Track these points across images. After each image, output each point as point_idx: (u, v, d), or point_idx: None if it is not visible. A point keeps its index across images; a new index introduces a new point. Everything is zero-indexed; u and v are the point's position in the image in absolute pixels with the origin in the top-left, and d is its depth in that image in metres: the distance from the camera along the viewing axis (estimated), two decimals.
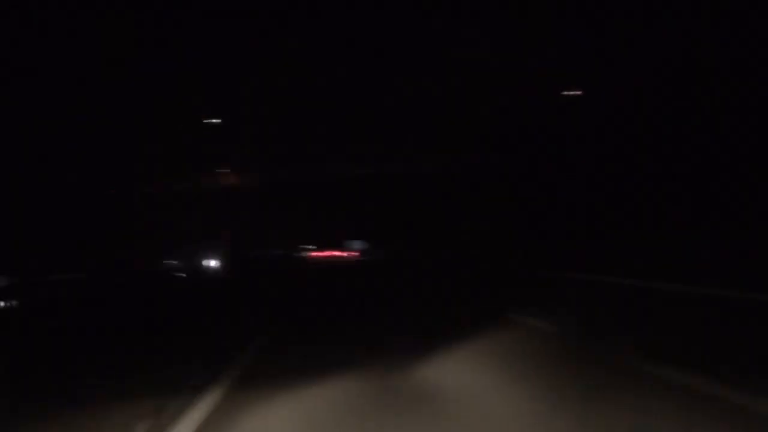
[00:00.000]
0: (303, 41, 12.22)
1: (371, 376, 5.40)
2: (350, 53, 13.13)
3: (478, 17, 11.68)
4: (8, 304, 14.69)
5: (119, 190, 22.55)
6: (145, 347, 8.25)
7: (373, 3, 11.12)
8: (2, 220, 16.32)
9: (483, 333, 7.39)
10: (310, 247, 77.16)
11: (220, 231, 31.94)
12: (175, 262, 31.72)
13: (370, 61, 13.61)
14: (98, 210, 21.78)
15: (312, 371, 5.58)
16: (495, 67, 14.04)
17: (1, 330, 11.41)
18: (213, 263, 30.31)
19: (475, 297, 13.75)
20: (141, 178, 22.53)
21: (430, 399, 4.56)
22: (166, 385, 5.19)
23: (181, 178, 23.87)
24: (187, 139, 18.58)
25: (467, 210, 29.27)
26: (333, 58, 13.26)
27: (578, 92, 15.66)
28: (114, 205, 22.80)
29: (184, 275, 26.17)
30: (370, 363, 6.00)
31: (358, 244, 66.12)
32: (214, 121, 16.47)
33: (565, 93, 15.66)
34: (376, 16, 11.49)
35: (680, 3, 11.49)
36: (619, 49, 13.43)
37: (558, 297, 11.91)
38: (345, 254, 69.11)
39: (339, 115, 17.50)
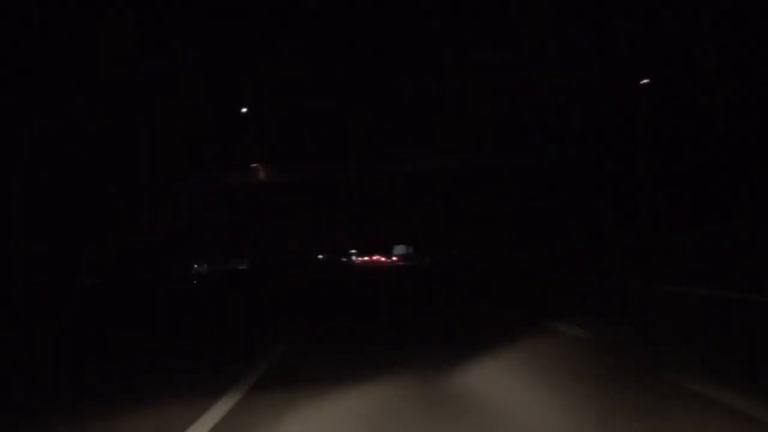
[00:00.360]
0: (303, 41, 12.22)
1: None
2: (350, 53, 13.13)
3: (478, 17, 11.69)
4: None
5: (126, 191, 22.13)
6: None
7: (373, 3, 11.12)
8: (3, 221, 16.31)
9: (518, 338, 7.35)
10: (353, 251, 76.70)
11: (258, 234, 28.94)
12: (204, 267, 29.86)
13: (370, 61, 13.62)
14: (109, 213, 21.44)
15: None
16: (495, 67, 14.05)
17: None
18: (247, 268, 26.56)
19: (516, 300, 13.48)
20: (165, 179, 21.74)
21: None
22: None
23: (211, 177, 22.50)
24: (218, 138, 18.11)
25: (516, 212, 28.05)
26: (333, 58, 13.26)
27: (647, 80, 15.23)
28: (126, 207, 22.23)
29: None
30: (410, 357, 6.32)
31: (400, 249, 65.34)
32: (243, 110, 16.02)
33: (642, 82, 15.23)
34: (376, 16, 11.49)
35: (680, 3, 11.50)
36: (619, 49, 13.43)
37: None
38: (386, 259, 68.78)
39: (345, 114, 17.41)
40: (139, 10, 10.42)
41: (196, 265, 30.01)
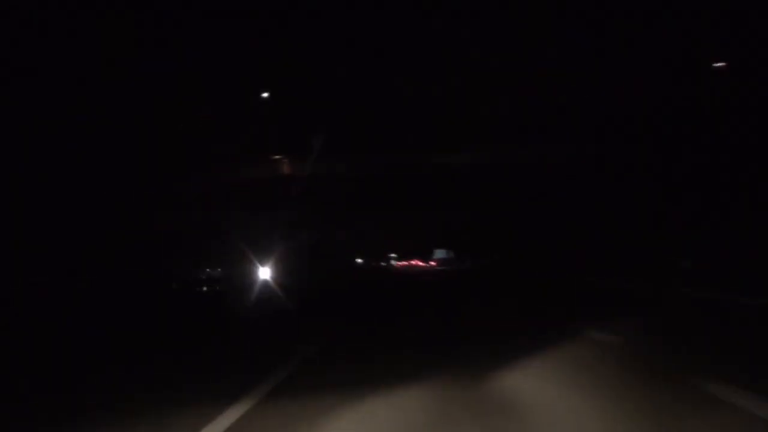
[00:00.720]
0: (303, 41, 12.23)
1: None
2: (350, 53, 13.13)
3: (478, 17, 11.70)
4: None
5: (126, 191, 21.58)
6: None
7: (373, 3, 11.13)
8: (3, 221, 16.30)
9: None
10: (393, 255, 75.14)
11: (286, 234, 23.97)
12: (217, 271, 25.97)
13: (370, 61, 13.62)
14: (109, 213, 20.88)
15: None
16: (495, 67, 14.03)
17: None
18: (270, 275, 21.69)
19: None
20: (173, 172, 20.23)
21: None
22: None
23: (220, 173, 20.22)
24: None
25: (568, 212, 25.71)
26: (333, 58, 13.26)
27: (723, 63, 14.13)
28: (126, 207, 21.30)
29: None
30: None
31: (440, 254, 64.16)
32: (264, 95, 15.32)
33: (715, 65, 14.17)
34: (376, 16, 11.50)
35: (680, 3, 11.51)
36: (619, 49, 13.43)
37: None
38: (424, 264, 67.93)
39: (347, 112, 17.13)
40: (139, 10, 10.42)
41: (208, 269, 26.81)
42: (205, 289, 24.42)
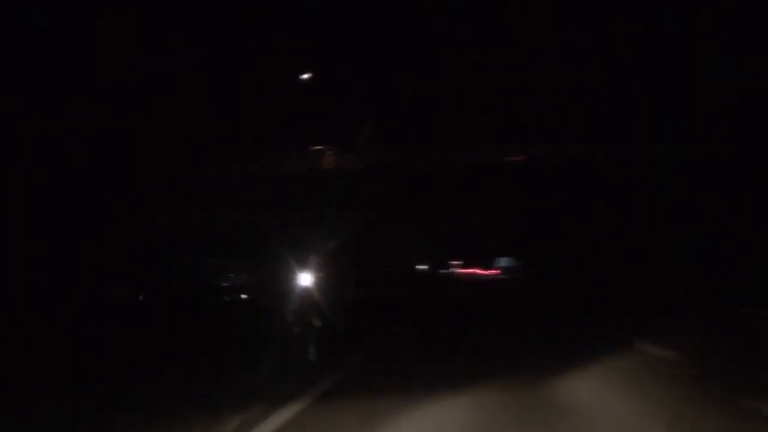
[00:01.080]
0: (303, 41, 12.24)
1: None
2: (350, 53, 13.15)
3: (478, 17, 11.73)
4: None
5: (128, 189, 21.06)
6: None
7: (373, 3, 11.16)
8: (3, 221, 16.28)
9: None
10: (458, 262, 72.30)
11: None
12: (243, 277, 24.00)
13: (370, 61, 13.64)
14: (109, 212, 20.49)
15: None
16: (495, 67, 14.02)
17: None
18: (311, 281, 17.65)
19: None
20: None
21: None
22: None
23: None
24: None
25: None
26: (333, 58, 13.27)
27: None
28: (128, 206, 20.46)
29: None
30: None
31: (504, 261, 62.58)
32: (305, 76, 14.55)
33: None
34: (376, 16, 11.53)
35: (680, 3, 11.52)
36: (619, 49, 13.45)
37: None
38: (485, 272, 66.31)
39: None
40: (139, 10, 10.44)
41: (231, 275, 23.84)
42: (227, 298, 22.37)
